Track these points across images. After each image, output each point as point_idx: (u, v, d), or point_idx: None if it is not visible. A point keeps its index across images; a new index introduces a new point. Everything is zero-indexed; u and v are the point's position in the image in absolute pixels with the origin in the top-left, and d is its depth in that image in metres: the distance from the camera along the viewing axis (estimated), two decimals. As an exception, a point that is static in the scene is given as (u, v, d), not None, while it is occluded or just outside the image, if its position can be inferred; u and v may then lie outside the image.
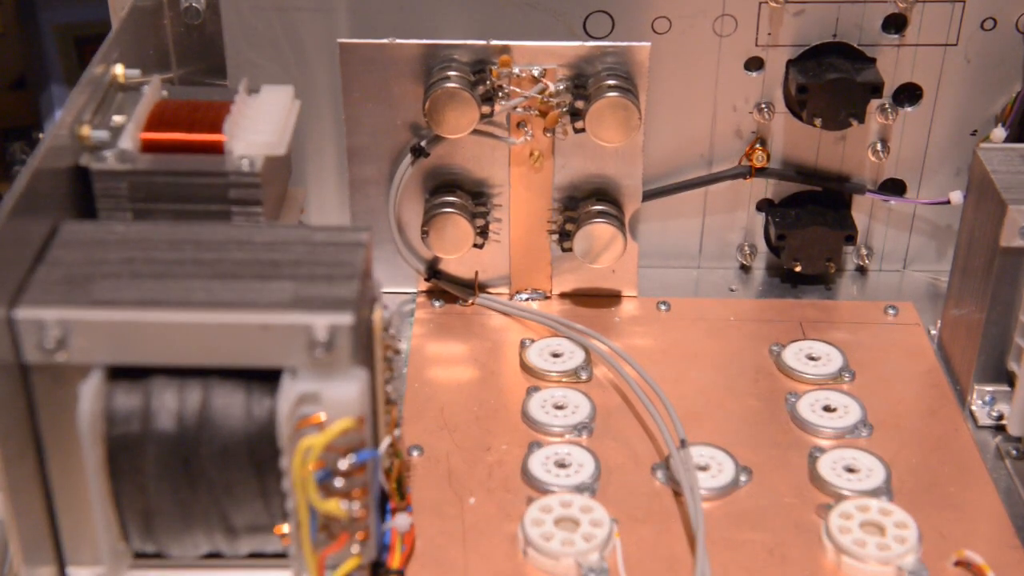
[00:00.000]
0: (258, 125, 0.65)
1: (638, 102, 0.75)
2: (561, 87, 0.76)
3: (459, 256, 0.80)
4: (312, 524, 0.55)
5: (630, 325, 0.80)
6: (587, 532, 0.62)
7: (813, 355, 0.76)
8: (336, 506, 0.55)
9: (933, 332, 0.79)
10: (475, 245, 0.79)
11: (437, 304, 0.82)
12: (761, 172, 0.83)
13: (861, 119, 0.79)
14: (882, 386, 0.74)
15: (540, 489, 0.66)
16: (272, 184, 0.65)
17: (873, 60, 0.79)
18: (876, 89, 0.78)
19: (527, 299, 0.83)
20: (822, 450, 0.69)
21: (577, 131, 0.77)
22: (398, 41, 0.76)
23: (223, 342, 0.54)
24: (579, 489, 0.66)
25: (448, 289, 0.82)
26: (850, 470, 0.67)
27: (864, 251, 0.86)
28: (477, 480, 0.67)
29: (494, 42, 0.75)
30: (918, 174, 0.84)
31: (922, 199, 0.84)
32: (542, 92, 0.76)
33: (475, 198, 0.80)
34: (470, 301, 0.82)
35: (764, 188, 0.85)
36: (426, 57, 0.76)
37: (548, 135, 0.78)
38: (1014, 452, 0.69)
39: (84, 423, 0.54)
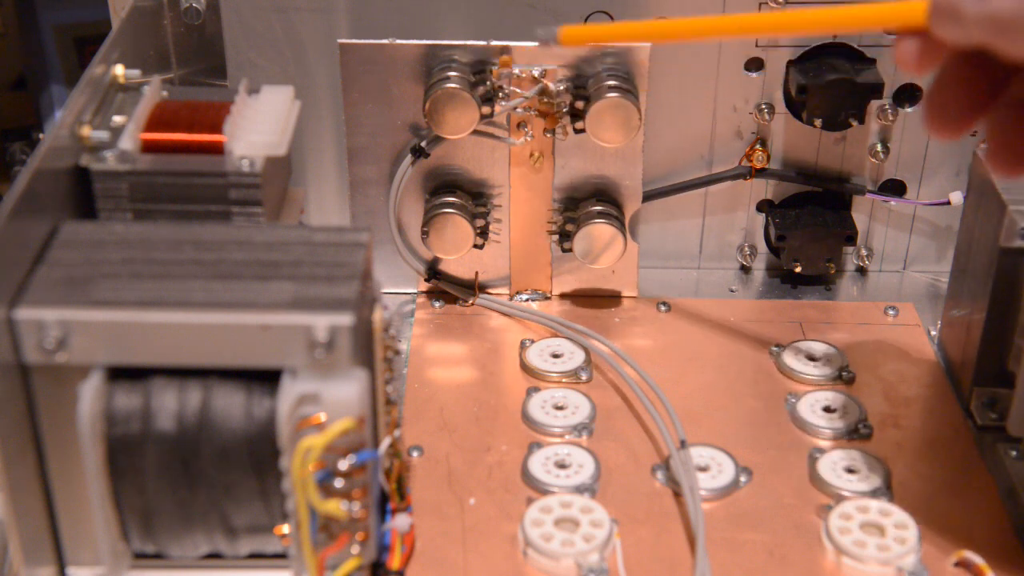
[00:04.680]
0: (258, 125, 0.65)
1: (638, 103, 0.75)
2: (561, 88, 0.76)
3: (459, 256, 0.80)
4: (312, 525, 0.55)
5: (630, 326, 0.80)
6: (587, 533, 0.62)
7: (813, 356, 0.76)
8: (336, 507, 0.55)
9: (933, 333, 0.79)
10: (475, 245, 0.79)
11: (437, 305, 0.82)
12: (761, 173, 0.83)
13: (861, 120, 0.79)
14: (882, 386, 0.74)
15: (540, 490, 0.66)
16: (272, 184, 0.65)
17: (873, 61, 0.79)
18: (876, 90, 0.78)
19: (527, 300, 0.83)
20: (822, 451, 0.69)
21: (577, 132, 0.77)
22: (398, 41, 0.76)
23: (223, 342, 0.54)
24: (579, 490, 0.66)
25: (448, 290, 0.82)
26: (850, 471, 0.67)
27: (864, 252, 0.86)
28: (477, 481, 0.67)
29: (494, 42, 0.75)
30: (918, 175, 0.83)
31: (922, 200, 0.84)
32: (542, 93, 0.76)
33: (475, 198, 0.80)
34: (470, 302, 0.82)
35: (764, 189, 0.85)
36: (426, 57, 0.76)
37: (548, 136, 0.78)
38: (1014, 453, 0.69)
39: (84, 423, 0.54)
